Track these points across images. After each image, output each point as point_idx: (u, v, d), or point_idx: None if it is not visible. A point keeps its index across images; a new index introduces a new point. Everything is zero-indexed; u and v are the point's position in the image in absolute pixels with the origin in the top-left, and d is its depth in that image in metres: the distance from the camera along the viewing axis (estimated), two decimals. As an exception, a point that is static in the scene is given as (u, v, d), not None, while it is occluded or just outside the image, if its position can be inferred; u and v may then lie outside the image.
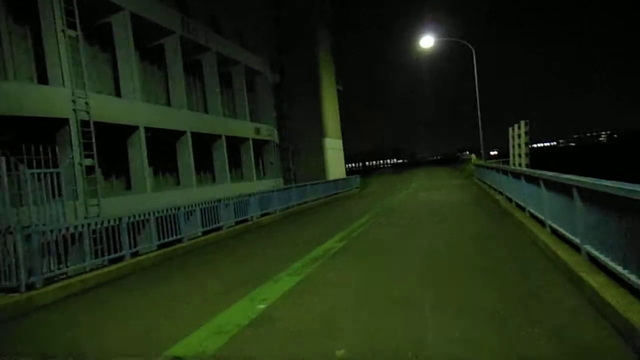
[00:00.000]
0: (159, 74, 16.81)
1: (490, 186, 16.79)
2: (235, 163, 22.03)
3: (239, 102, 21.24)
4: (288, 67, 27.18)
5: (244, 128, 20.70)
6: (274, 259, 8.09)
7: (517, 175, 9.87)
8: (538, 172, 7.31)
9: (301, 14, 27.40)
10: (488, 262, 6.16)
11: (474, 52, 24.94)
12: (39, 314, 5.97)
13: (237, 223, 13.37)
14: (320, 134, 27.38)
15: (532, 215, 8.29)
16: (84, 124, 11.32)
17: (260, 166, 24.37)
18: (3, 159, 6.65)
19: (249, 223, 13.73)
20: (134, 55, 13.90)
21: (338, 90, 32.10)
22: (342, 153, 30.87)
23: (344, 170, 31.07)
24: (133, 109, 13.51)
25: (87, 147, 11.35)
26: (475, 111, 25.52)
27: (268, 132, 23.10)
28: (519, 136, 13.73)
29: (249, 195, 14.41)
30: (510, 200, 11.27)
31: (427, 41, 25.15)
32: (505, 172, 11.70)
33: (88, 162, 11.47)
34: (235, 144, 21.05)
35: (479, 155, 38.40)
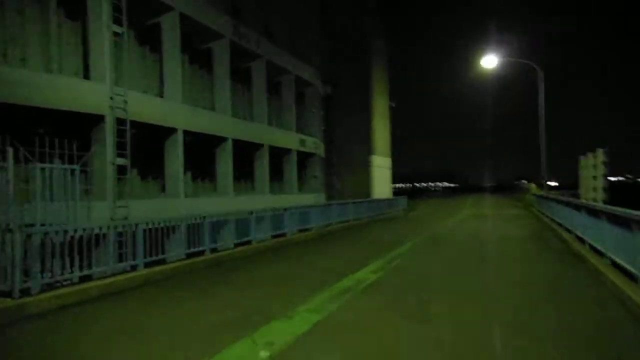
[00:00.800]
0: (205, 78, 16.46)
1: (554, 220, 14.92)
2: (277, 174, 21.34)
3: (286, 112, 20.62)
4: (340, 80, 26.40)
5: (289, 139, 20.00)
6: (296, 285, 7.06)
7: (594, 213, 8.28)
8: (629, 212, 5.83)
9: (356, 26, 26.64)
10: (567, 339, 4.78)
11: (541, 74, 23.06)
12: (23, 325, 5.27)
13: (273, 237, 12.51)
14: (368, 150, 26.25)
15: (615, 264, 6.73)
16: (120, 122, 10.92)
17: (304, 179, 23.55)
18: (10, 149, 6.11)
19: (282, 239, 12.82)
20: (179, 56, 13.54)
21: (390, 107, 30.94)
22: (389, 172, 29.52)
23: (391, 190, 29.68)
24: (172, 110, 13.09)
25: (121, 146, 10.95)
26: (537, 139, 23.47)
27: (314, 144, 22.30)
28: (594, 167, 11.97)
29: (285, 209, 13.54)
30: (582, 241, 9.60)
31: (489, 61, 23.60)
32: (577, 207, 10.05)
33: (121, 161, 11.04)
34: (278, 154, 20.39)
35: (538, 185, 35.64)
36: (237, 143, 16.21)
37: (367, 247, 11.70)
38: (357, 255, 10.12)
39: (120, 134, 10.88)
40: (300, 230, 14.31)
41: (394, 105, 31.45)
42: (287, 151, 20.32)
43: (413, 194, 49.78)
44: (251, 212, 11.78)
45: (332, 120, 27.18)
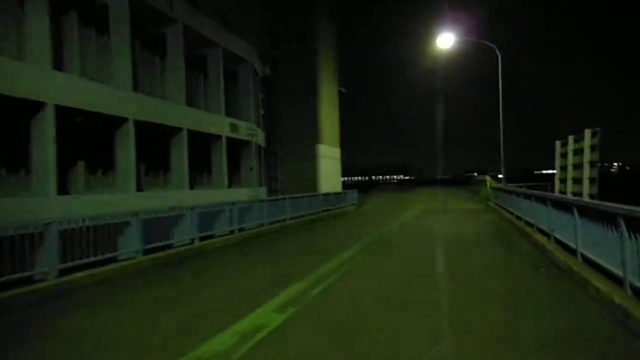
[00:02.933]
0: (98, 41, 13.11)
1: (519, 218, 12.82)
2: (203, 165, 18.23)
3: (213, 91, 17.51)
4: (283, 61, 23.49)
5: (216, 123, 16.92)
6: (149, 335, 4.21)
7: (585, 210, 5.93)
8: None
9: (301, 3, 23.78)
10: None
11: (499, 56, 21.18)
12: None
13: (152, 251, 9.42)
14: (315, 139, 23.56)
15: (602, 269, 4.36)
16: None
17: (240, 172, 20.55)
18: None
19: (173, 251, 9.80)
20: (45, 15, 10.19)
21: (340, 93, 28.37)
22: (338, 163, 27.00)
23: (340, 183, 27.19)
24: (36, 75, 9.75)
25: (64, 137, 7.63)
26: (493, 131, 21.65)
27: (249, 131, 19.32)
28: (579, 152, 9.82)
29: (187, 209, 10.56)
30: (570, 250, 7.33)
31: (445, 40, 21.44)
32: (557, 204, 7.76)
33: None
34: (205, 142, 17.29)
35: (494, 178, 34.35)
36: (143, 125, 13.03)
37: (292, 260, 8.97)
38: (270, 275, 7.37)
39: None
40: (207, 237, 11.33)
41: (344, 91, 28.87)
42: (215, 138, 17.25)
43: (367, 187, 47.74)
44: (136, 214, 8.72)
45: (275, 107, 24.26)
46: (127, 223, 8.88)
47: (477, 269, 7.28)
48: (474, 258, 8.32)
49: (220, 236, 11.83)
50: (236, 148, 19.75)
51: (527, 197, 11.26)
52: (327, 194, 21.76)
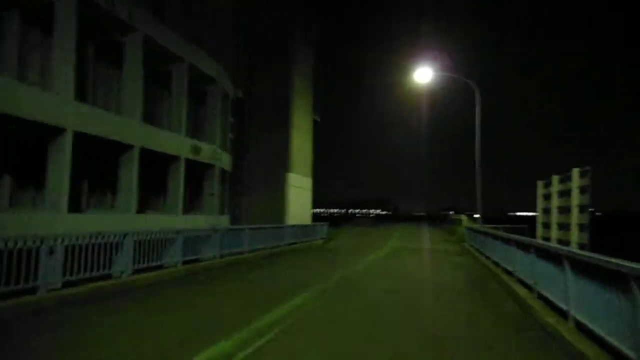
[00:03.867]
0: (41, 43, 11.81)
1: (497, 264, 11.72)
2: (159, 188, 16.74)
3: (174, 109, 16.23)
4: (256, 86, 22.53)
5: (174, 143, 15.56)
6: None
7: (580, 265, 4.81)
8: None
9: (277, 27, 23.07)
10: None
11: (477, 92, 20.70)
12: None
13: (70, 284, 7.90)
14: (285, 167, 22.34)
15: (605, 344, 3.16)
16: None
17: (200, 198, 19.07)
18: None
19: (93, 285, 8.26)
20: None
21: (315, 122, 27.45)
22: (309, 194, 25.75)
23: (310, 215, 25.88)
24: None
25: None
26: (470, 168, 20.92)
27: (213, 154, 18.00)
28: (566, 194, 8.80)
29: (118, 235, 9.06)
30: (545, 300, 6.17)
31: (423, 74, 20.86)
32: (543, 253, 6.63)
33: None
34: (162, 163, 15.88)
35: (470, 217, 33.62)
36: (87, 140, 11.61)
37: (229, 304, 7.53)
38: (189, 327, 5.93)
39: None
40: (142, 270, 9.80)
41: (318, 120, 27.94)
42: (173, 159, 15.84)
43: (340, 221, 46.43)
44: (41, 240, 7.19)
45: (245, 132, 23.09)
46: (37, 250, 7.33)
47: (449, 327, 6.01)
48: (445, 312, 7.06)
49: (159, 269, 10.28)
50: (198, 172, 18.37)
51: (506, 241, 10.18)
52: (294, 226, 20.38)
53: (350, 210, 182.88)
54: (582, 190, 7.81)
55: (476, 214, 25.49)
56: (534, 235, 15.31)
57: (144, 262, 9.67)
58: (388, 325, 6.06)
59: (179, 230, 11.11)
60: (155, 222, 14.24)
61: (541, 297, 6.81)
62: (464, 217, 29.76)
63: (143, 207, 17.25)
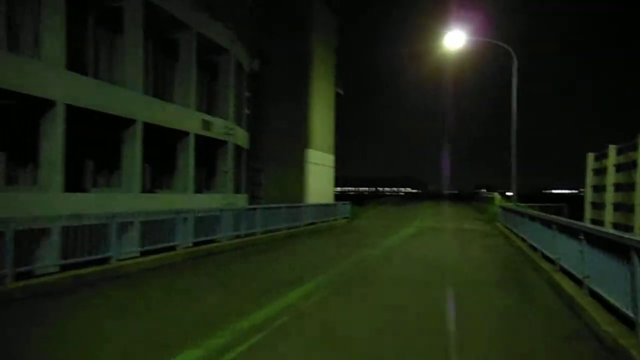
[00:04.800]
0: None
1: (533, 247, 10.32)
2: (168, 167, 15.96)
3: (183, 82, 15.24)
4: (273, 56, 21.26)
5: (182, 117, 14.62)
6: None
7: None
8: None
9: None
10: None
11: (515, 59, 18.79)
12: None
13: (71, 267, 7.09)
14: (304, 143, 21.19)
15: None
16: None
17: (215, 176, 18.23)
18: None
19: (84, 271, 7.45)
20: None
21: (338, 94, 26.03)
22: (331, 171, 24.58)
23: (332, 193, 24.76)
24: None
25: None
26: (505, 146, 19.17)
27: (226, 129, 17.01)
28: (626, 167, 7.31)
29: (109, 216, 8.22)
30: (600, 300, 4.88)
31: (455, 39, 19.05)
32: (596, 240, 5.28)
33: None
34: (171, 139, 15.03)
35: (503, 196, 31.73)
36: (82, 114, 10.78)
37: (216, 298, 6.57)
38: (156, 329, 4.97)
39: None
40: (149, 252, 9.00)
41: (341, 92, 26.48)
42: (181, 135, 14.95)
43: (366, 200, 45.21)
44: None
45: (262, 106, 21.99)
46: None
47: (477, 339, 4.82)
48: (474, 310, 5.85)
49: (158, 252, 9.44)
50: (211, 149, 17.47)
51: (546, 223, 8.77)
52: (314, 205, 19.35)
53: (379, 189, 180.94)
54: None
55: (510, 191, 23.79)
56: (574, 215, 13.72)
57: (144, 246, 8.83)
58: (398, 338, 4.92)
59: (179, 211, 10.20)
60: (164, 202, 13.48)
61: (594, 295, 5.49)
62: (496, 195, 27.99)
63: (154, 186, 16.58)
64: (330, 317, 5.41)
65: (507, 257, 10.69)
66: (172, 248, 9.88)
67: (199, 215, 10.95)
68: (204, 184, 19.68)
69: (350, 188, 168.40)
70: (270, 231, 14.38)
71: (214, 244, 11.35)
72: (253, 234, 13.35)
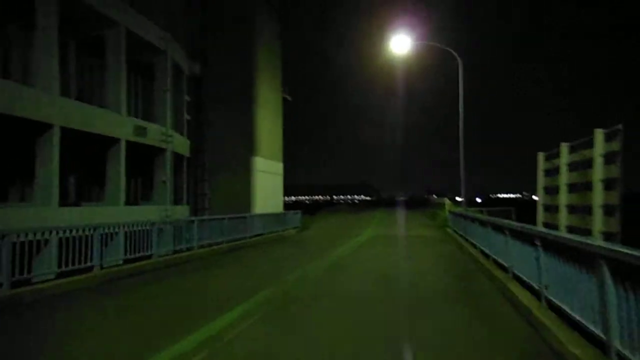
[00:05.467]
0: None
1: (485, 254, 9.91)
2: (97, 177, 14.50)
3: (113, 84, 13.88)
4: (216, 59, 20.17)
5: (111, 122, 13.26)
6: None
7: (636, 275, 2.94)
8: None
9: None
10: None
11: (460, 63, 18.81)
12: None
13: None
14: (250, 151, 20.17)
15: None
16: None
17: (153, 186, 16.83)
18: None
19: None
20: None
21: (285, 100, 25.23)
22: (280, 180, 23.67)
23: (281, 202, 23.83)
24: None
25: None
26: (452, 149, 19.13)
27: (162, 136, 15.73)
28: (580, 166, 6.95)
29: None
30: (561, 315, 4.31)
31: (401, 43, 18.82)
32: (555, 246, 4.74)
33: None
34: (99, 146, 13.60)
35: (453, 201, 32.03)
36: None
37: (106, 344, 5.53)
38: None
39: None
40: (66, 277, 7.72)
41: (289, 98, 25.65)
42: (111, 142, 13.57)
43: (318, 208, 44.52)
44: None
45: (205, 112, 20.80)
46: None
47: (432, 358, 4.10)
48: (426, 333, 5.15)
49: (71, 275, 8.15)
50: (147, 157, 16.13)
51: (498, 228, 8.32)
52: (262, 216, 18.36)
53: (334, 197, 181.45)
54: (610, 158, 5.96)
55: (459, 197, 23.89)
56: (521, 219, 13.61)
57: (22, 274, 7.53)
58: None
59: (95, 226, 8.93)
60: (89, 215, 12.07)
61: (554, 309, 4.93)
62: (447, 201, 28.14)
63: (80, 198, 15.02)
64: (257, 350, 4.51)
65: (459, 266, 10.22)
66: (89, 269, 8.60)
67: (117, 230, 9.66)
68: (140, 195, 18.23)
69: (304, 197, 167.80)
70: (210, 245, 13.27)
71: (143, 262, 10.13)
72: (191, 248, 12.20)
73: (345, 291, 7.43)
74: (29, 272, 7.47)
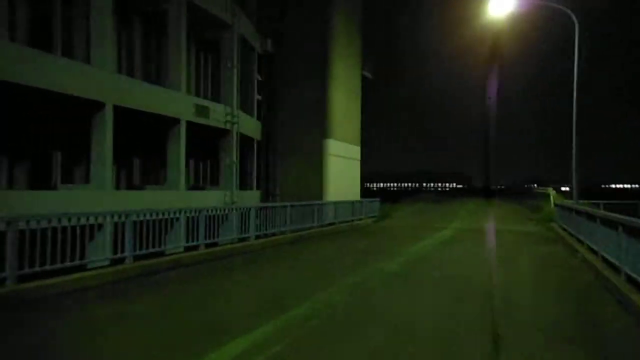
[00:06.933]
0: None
1: (612, 266, 7.30)
2: (158, 159, 14.01)
3: (173, 60, 13.12)
4: (288, 34, 18.85)
5: (169, 101, 12.51)
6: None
7: None
8: None
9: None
10: None
11: (576, 25, 15.33)
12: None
13: None
14: (322, 133, 18.66)
15: None
16: None
17: (220, 170, 16.11)
18: None
19: None
20: None
21: (364, 78, 23.23)
22: (357, 165, 21.87)
23: (358, 188, 22.08)
24: None
25: None
26: (559, 134, 15.78)
27: (227, 117, 14.80)
28: None
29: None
30: None
31: (500, 3, 15.84)
32: None
33: None
34: (159, 127, 13.01)
35: (558, 192, 27.79)
36: (33, 94, 8.88)
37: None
38: None
39: None
40: (74, 270, 6.85)
41: (369, 76, 23.65)
42: (170, 122, 12.87)
43: (401, 196, 42.02)
44: None
45: (277, 92, 19.67)
46: None
47: None
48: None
49: (96, 268, 7.30)
50: (211, 139, 15.38)
51: (637, 232, 5.80)
52: (334, 203, 16.82)
53: (424, 184, 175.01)
54: None
55: (564, 186, 20.32)
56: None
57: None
58: None
59: (128, 212, 7.97)
60: (150, 199, 11.45)
61: None
62: (551, 191, 24.21)
63: (143, 181, 14.70)
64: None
65: (575, 280, 7.72)
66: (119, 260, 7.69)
67: (145, 218, 8.53)
68: (207, 179, 17.69)
69: (391, 184, 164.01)
70: (272, 235, 12.06)
71: (175, 256, 9.05)
72: (245, 239, 11.03)
73: (403, 315, 5.52)
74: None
